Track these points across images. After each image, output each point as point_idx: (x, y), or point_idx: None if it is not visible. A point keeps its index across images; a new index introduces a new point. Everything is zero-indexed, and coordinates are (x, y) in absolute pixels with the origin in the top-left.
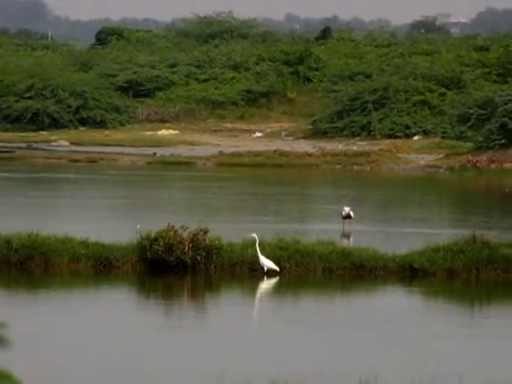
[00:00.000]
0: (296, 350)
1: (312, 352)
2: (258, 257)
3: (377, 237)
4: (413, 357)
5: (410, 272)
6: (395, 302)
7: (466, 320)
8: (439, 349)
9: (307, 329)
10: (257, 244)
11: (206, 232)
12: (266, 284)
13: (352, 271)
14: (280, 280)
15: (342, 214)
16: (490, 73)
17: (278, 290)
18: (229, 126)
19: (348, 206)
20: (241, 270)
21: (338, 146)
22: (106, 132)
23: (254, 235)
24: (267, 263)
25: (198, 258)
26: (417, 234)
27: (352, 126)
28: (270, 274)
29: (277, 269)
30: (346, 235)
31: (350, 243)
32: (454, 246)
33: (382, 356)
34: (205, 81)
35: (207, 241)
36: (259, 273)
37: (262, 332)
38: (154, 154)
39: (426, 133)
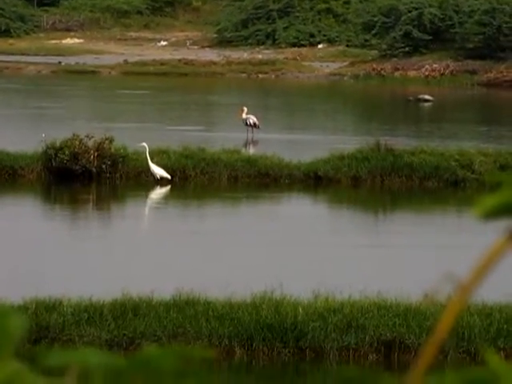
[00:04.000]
0: (199, 260)
1: (216, 261)
2: (148, 165)
3: (282, 145)
4: (317, 265)
5: (314, 180)
6: (300, 210)
7: (370, 228)
8: (344, 257)
9: (211, 237)
10: (147, 153)
11: (111, 141)
12: (159, 192)
13: (257, 179)
14: (186, 188)
15: (248, 121)
16: None
17: (183, 198)
18: (134, 35)
19: (250, 114)
20: (146, 178)
21: (243, 54)
22: (11, 41)
23: (144, 144)
24: (158, 171)
25: (104, 166)
26: (322, 142)
27: (257, 35)
28: (163, 182)
29: (168, 177)
30: (251, 143)
31: (255, 151)
32: (358, 153)
33: (287, 264)
34: None
35: (112, 149)
36: (164, 181)
37: (165, 242)
38: (59, 62)
39: (330, 41)
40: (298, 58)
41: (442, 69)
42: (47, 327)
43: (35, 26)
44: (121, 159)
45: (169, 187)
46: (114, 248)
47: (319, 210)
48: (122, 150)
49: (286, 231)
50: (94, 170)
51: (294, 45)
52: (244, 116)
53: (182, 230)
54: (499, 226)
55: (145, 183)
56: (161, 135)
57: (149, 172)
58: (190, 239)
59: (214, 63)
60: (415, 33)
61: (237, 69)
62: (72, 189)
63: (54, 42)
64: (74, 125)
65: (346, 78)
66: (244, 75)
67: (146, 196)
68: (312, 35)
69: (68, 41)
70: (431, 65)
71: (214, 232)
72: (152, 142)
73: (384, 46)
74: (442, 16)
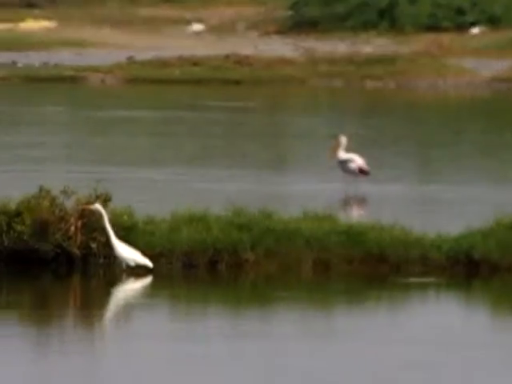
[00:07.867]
0: None
1: None
2: (111, 244)
3: (409, 205)
4: None
5: (466, 267)
6: (443, 322)
7: None
8: None
9: (288, 375)
10: (106, 221)
11: (106, 200)
12: (128, 288)
13: (365, 266)
14: (241, 282)
15: (348, 166)
16: None
17: (234, 300)
18: (144, 12)
19: (352, 152)
20: (169, 266)
21: (337, 46)
22: None
23: (97, 206)
24: (129, 255)
25: (93, 245)
26: (481, 200)
27: (362, 13)
28: (130, 271)
29: (148, 264)
30: (354, 202)
31: (362, 216)
32: None
33: None
34: None
35: (109, 215)
36: (201, 270)
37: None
38: (13, 62)
39: (492, 22)
40: (435, 51)
41: None
42: None
43: None
44: (124, 233)
45: (149, 280)
46: None
47: (476, 322)
48: (125, 217)
49: (419, 359)
50: (76, 251)
51: (427, 29)
52: (342, 155)
53: (228, 355)
54: None
55: (168, 274)
56: (193, 190)
57: (174, 255)
58: (249, 374)
59: (288, 62)
60: None
61: (328, 71)
62: (36, 286)
63: (4, 26)
64: (43, 171)
65: None
66: (340, 82)
67: (171, 297)
68: (460, 11)
69: (30, 24)
70: None
71: (292, 365)
72: (178, 202)
73: None
74: None
